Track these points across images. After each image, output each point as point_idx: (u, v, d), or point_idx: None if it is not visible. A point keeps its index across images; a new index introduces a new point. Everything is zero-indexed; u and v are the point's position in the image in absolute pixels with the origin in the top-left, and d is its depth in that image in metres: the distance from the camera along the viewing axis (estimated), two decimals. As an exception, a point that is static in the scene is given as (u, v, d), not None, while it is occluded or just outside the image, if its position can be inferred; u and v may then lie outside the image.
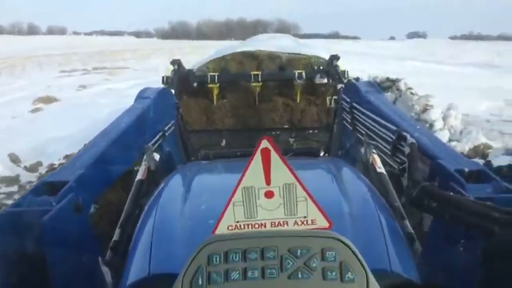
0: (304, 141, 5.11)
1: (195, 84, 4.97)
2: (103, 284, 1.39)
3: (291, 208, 0.83)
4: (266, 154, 0.82)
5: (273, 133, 5.90)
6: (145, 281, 1.00)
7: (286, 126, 5.99)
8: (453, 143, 4.46)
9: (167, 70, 4.51)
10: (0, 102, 10.24)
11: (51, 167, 5.01)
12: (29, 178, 4.59)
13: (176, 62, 4.58)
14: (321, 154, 2.64)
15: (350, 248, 0.68)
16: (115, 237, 1.57)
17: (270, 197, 0.83)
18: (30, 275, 1.29)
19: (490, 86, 10.80)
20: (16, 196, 3.91)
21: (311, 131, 5.50)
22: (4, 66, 19.78)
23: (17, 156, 5.28)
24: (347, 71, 4.77)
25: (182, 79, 4.70)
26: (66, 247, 1.34)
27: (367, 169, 2.01)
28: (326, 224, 0.83)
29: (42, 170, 5.01)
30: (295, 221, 0.83)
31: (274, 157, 0.82)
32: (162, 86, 3.79)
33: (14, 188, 4.23)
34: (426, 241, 1.52)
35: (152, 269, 1.02)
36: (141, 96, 2.84)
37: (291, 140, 4.82)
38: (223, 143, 4.86)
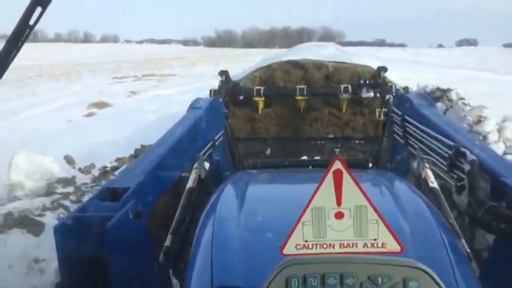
0: (350, 152, 5.04)
1: (241, 97, 5.06)
2: (159, 286, 1.45)
3: (362, 230, 0.83)
4: (338, 175, 0.82)
5: (318, 142, 5.86)
6: None
7: (331, 136, 5.93)
8: (509, 157, 4.25)
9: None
10: (57, 106, 10.85)
11: (104, 170, 5.24)
12: (83, 180, 4.82)
13: (223, 73, 4.70)
14: (370, 164, 2.60)
15: (433, 279, 0.66)
16: (167, 242, 1.63)
17: (340, 218, 0.83)
18: (92, 274, 1.36)
19: (549, 96, 10.17)
20: (72, 197, 4.12)
21: (357, 142, 5.42)
22: (61, 73, 20.94)
23: (72, 158, 5.56)
24: (395, 85, 4.67)
25: (229, 89, 4.80)
26: (127, 252, 1.41)
27: (419, 184, 1.96)
28: (398, 248, 0.82)
29: (95, 172, 5.25)
30: (365, 243, 0.82)
31: (347, 178, 0.82)
32: (212, 97, 3.91)
33: (70, 189, 4.45)
34: (488, 262, 1.46)
35: (214, 281, 1.04)
36: (193, 106, 2.99)
37: (337, 150, 4.76)
38: (268, 151, 4.88)
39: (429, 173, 1.91)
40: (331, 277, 0.66)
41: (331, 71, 6.23)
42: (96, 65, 25.36)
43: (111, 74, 20.09)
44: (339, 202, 0.83)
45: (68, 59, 29.68)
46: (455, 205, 1.77)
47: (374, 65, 7.03)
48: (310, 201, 0.83)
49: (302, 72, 6.29)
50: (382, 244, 0.82)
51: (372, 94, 4.69)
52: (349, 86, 5.05)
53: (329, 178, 0.82)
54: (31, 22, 1.18)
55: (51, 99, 11.93)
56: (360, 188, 0.83)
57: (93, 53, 38.21)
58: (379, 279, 0.65)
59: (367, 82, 5.11)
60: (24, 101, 11.66)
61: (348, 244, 0.83)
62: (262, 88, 5.19)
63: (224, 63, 25.65)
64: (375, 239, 0.82)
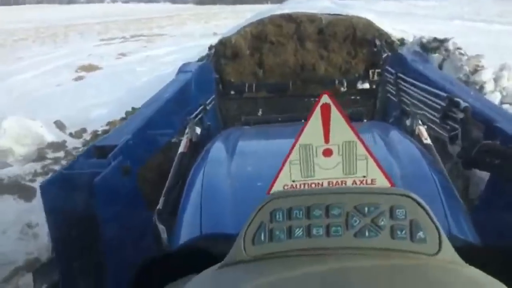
0: (346, 107, 4.98)
1: (232, 92, 4.92)
2: (151, 242, 1.44)
3: (350, 167, 0.79)
4: (326, 110, 0.77)
5: (312, 99, 5.78)
6: (196, 241, 1.01)
7: (326, 91, 5.83)
8: (505, 106, 4.21)
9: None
10: (45, 70, 10.60)
11: (95, 134, 5.16)
12: (74, 144, 4.76)
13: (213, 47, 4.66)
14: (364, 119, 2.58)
15: (421, 206, 0.63)
16: (160, 205, 1.61)
17: (329, 156, 0.79)
18: (83, 233, 1.35)
19: (546, 45, 10.05)
20: (63, 162, 4.07)
21: (352, 97, 5.36)
22: (46, 35, 20.37)
23: (62, 122, 5.47)
24: (390, 37, 4.55)
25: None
26: (116, 207, 1.40)
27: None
28: (387, 184, 0.79)
29: (87, 136, 5.18)
30: (354, 180, 0.79)
31: (335, 113, 0.78)
32: (202, 61, 3.83)
33: (61, 153, 4.40)
34: (480, 203, 1.47)
35: (203, 229, 1.04)
36: (182, 70, 2.94)
37: None
38: (260, 112, 4.81)
39: (422, 129, 1.90)
40: (316, 209, 0.63)
41: (325, 24, 6.03)
42: (82, 26, 24.64)
43: (99, 35, 19.57)
44: (327, 139, 0.78)
45: (54, 21, 28.77)
46: (449, 158, 1.75)
47: (370, 17, 6.85)
48: (297, 139, 0.79)
49: (294, 26, 6.08)
50: (372, 180, 0.79)
51: (367, 85, 4.58)
52: (344, 80, 5.01)
53: (317, 113, 0.78)
54: None
55: (38, 63, 11.65)
56: (349, 123, 0.79)
57: (78, 14, 37.05)
58: (366, 208, 0.63)
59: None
60: (10, 66, 11.37)
61: (337, 182, 0.79)
62: (254, 84, 5.15)
63: (214, 21, 25.06)
64: (364, 176, 0.79)
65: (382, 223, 0.62)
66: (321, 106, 0.77)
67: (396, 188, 0.68)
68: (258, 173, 1.16)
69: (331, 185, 0.79)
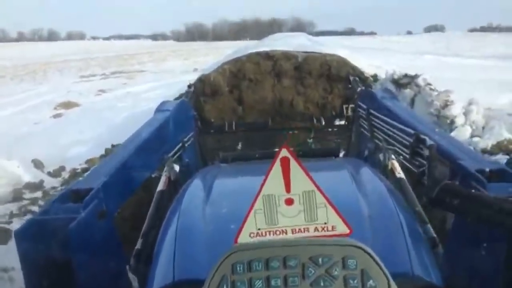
0: (323, 142, 5.08)
1: (211, 130, 5.02)
2: None
3: (311, 215, 0.84)
4: (285, 163, 0.83)
5: (291, 132, 5.89)
6: (169, 287, 1.02)
7: (303, 125, 5.96)
8: (476, 139, 4.37)
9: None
10: (23, 108, 10.50)
11: (74, 172, 5.10)
12: (52, 184, 4.69)
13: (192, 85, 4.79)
14: (341, 154, 2.64)
15: (370, 256, 0.68)
16: (138, 245, 1.60)
17: (290, 204, 0.84)
18: (58, 280, 1.33)
19: (512, 78, 10.52)
20: (41, 202, 4.01)
21: (330, 130, 5.48)
22: (25, 73, 20.27)
23: (40, 161, 5.39)
24: (363, 74, 4.73)
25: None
26: (92, 253, 1.38)
27: (386, 175, 2.01)
28: (347, 230, 0.84)
29: (65, 175, 5.11)
30: (316, 227, 0.84)
31: (294, 165, 0.84)
32: (180, 99, 3.88)
33: (38, 194, 4.32)
34: (448, 242, 1.50)
35: (176, 275, 1.04)
36: (160, 109, 2.96)
37: (309, 141, 4.79)
38: (239, 145, 4.87)
39: (395, 163, 1.95)
40: (274, 260, 0.68)
41: (301, 61, 6.24)
42: (62, 63, 24.66)
43: (78, 72, 19.59)
44: (288, 189, 0.84)
45: (33, 58, 28.72)
46: (421, 193, 1.81)
47: (344, 54, 7.11)
48: (260, 189, 0.85)
49: (271, 63, 6.27)
50: (332, 227, 0.84)
51: (343, 120, 4.79)
52: (320, 116, 5.21)
53: (277, 165, 0.84)
54: None
55: (16, 101, 11.53)
56: (307, 174, 0.84)
57: (58, 51, 37.10)
58: (320, 259, 0.68)
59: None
60: (-13, 104, 11.23)
61: (300, 229, 0.84)
62: (234, 122, 5.33)
63: (194, 57, 25.45)
64: (325, 223, 0.84)
65: (336, 273, 0.66)
66: (280, 159, 0.83)
67: (347, 239, 0.73)
68: (233, 215, 1.17)
69: (294, 233, 0.84)
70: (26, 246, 1.31)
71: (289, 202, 0.84)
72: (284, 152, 0.84)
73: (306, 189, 0.84)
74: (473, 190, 1.24)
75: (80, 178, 1.79)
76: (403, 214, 1.24)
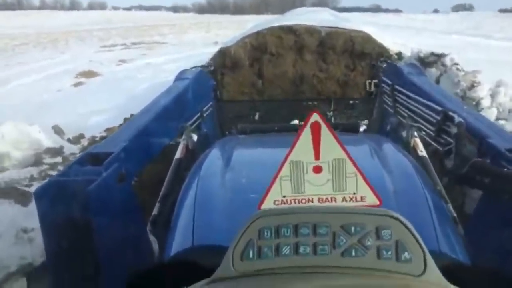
0: (343, 115, 5.00)
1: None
2: (146, 251, 1.44)
3: (340, 184, 0.81)
4: (316, 128, 0.80)
5: (310, 103, 5.82)
6: (188, 252, 1.01)
7: (323, 97, 5.88)
8: (501, 122, 4.24)
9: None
10: (45, 75, 10.63)
11: (93, 140, 5.17)
12: (72, 150, 4.76)
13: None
14: (362, 129, 2.59)
15: (407, 227, 0.64)
16: (155, 211, 1.61)
17: (319, 172, 0.81)
18: (77, 241, 1.34)
19: (543, 62, 10.12)
20: (60, 167, 4.07)
21: (351, 102, 5.39)
22: (48, 41, 20.45)
23: (60, 128, 5.47)
24: (388, 51, 4.60)
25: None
26: (111, 215, 1.39)
27: (408, 153, 1.96)
28: (376, 202, 0.81)
29: (84, 142, 5.18)
30: (344, 197, 0.81)
31: (325, 131, 0.80)
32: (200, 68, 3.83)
33: (58, 159, 4.39)
34: (472, 221, 1.47)
35: (195, 241, 1.04)
36: (179, 77, 2.94)
37: (329, 114, 4.71)
38: (257, 116, 4.84)
39: (418, 141, 1.90)
40: (304, 227, 0.64)
41: (324, 36, 6.10)
42: (84, 32, 24.77)
43: (100, 42, 19.66)
44: (317, 156, 0.81)
45: (55, 27, 28.91)
46: (444, 172, 1.77)
47: (368, 30, 6.92)
48: (288, 155, 0.81)
49: (294, 38, 6.15)
50: (361, 197, 0.81)
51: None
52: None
53: (307, 131, 0.80)
54: None
55: (38, 69, 11.68)
56: (339, 141, 0.81)
57: (80, 21, 37.23)
58: (352, 228, 0.64)
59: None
60: (11, 71, 11.40)
61: (327, 198, 0.81)
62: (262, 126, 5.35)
63: (215, 30, 25.23)
64: (354, 193, 0.82)
65: (369, 243, 0.63)
66: (311, 124, 0.80)
67: (382, 209, 0.69)
68: (252, 185, 1.16)
69: (321, 202, 0.81)
70: (45, 206, 1.32)
71: (318, 170, 0.81)
72: (314, 117, 0.80)
73: (336, 157, 0.80)
74: (505, 169, 1.19)
75: (100, 143, 1.80)
76: (428, 191, 1.20)
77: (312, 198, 0.81)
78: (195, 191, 1.24)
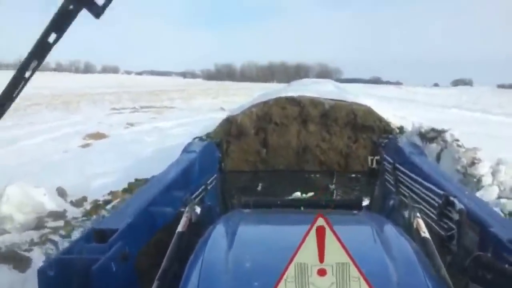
0: (345, 189, 5.02)
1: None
2: None
3: None
4: (321, 232, 0.83)
5: (313, 175, 5.88)
6: None
7: (325, 169, 5.95)
8: (503, 201, 4.23)
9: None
10: (54, 136, 10.85)
11: (95, 203, 5.17)
12: (74, 214, 4.75)
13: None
14: (364, 203, 2.60)
15: None
16: None
17: (323, 275, 0.83)
18: None
19: (543, 138, 10.25)
20: (62, 231, 4.05)
21: (353, 175, 5.43)
22: (60, 102, 21.11)
23: (64, 190, 5.50)
24: (389, 124, 4.72)
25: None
26: None
27: (411, 233, 1.96)
28: None
29: (87, 205, 5.18)
30: None
31: (329, 235, 0.83)
32: (207, 141, 3.96)
33: (60, 223, 4.38)
34: None
35: None
36: (187, 150, 3.04)
37: (331, 187, 4.74)
38: (259, 187, 4.88)
39: (421, 222, 1.90)
40: None
41: (327, 109, 6.34)
42: (95, 95, 25.61)
43: (110, 105, 20.26)
44: (321, 259, 0.83)
45: (68, 89, 29.98)
46: (446, 255, 1.76)
47: (370, 103, 7.16)
48: (293, 257, 0.84)
49: (298, 109, 6.39)
50: None
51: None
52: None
53: (312, 234, 0.83)
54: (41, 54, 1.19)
55: (48, 129, 11.95)
56: (343, 245, 0.84)
57: (93, 83, 38.66)
58: None
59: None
60: (21, 130, 11.67)
61: None
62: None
63: (222, 97, 26.02)
64: None
65: None
66: (316, 228, 0.83)
67: None
68: (256, 271, 1.16)
69: None
70: (48, 284, 1.32)
71: (322, 272, 0.83)
72: (320, 221, 0.84)
73: (340, 260, 0.83)
74: (505, 263, 1.20)
75: (105, 217, 1.83)
76: (431, 281, 1.20)
77: None
78: (198, 276, 1.23)
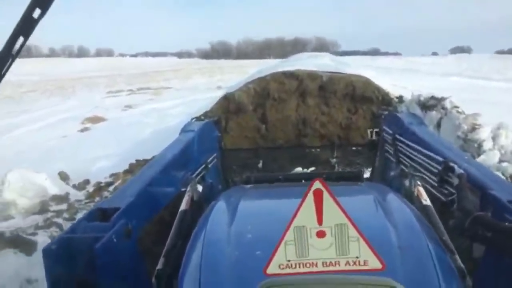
0: (346, 161, 5.02)
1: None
2: None
3: (343, 248, 0.84)
4: (318, 195, 0.84)
5: (313, 150, 5.87)
6: None
7: (326, 144, 5.94)
8: (504, 164, 4.24)
9: None
10: (51, 121, 10.82)
11: (98, 186, 5.19)
12: (77, 197, 4.78)
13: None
14: (365, 175, 2.61)
15: None
16: (159, 266, 1.60)
17: (322, 237, 0.85)
18: None
19: (543, 102, 10.21)
20: (65, 214, 4.08)
21: (354, 148, 5.42)
22: (55, 87, 20.96)
23: (66, 174, 5.51)
24: (388, 94, 4.69)
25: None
26: (117, 272, 1.39)
27: (412, 202, 1.97)
28: (379, 266, 0.83)
29: (90, 188, 5.20)
30: (347, 261, 0.84)
31: (327, 197, 0.84)
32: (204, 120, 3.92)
33: (63, 206, 4.41)
34: (478, 274, 1.46)
35: None
36: (185, 129, 3.04)
37: (333, 160, 4.73)
38: (260, 164, 4.87)
39: (421, 190, 1.91)
40: None
41: (325, 81, 6.28)
42: (90, 79, 25.40)
43: (106, 88, 20.12)
44: (320, 221, 0.84)
45: (63, 74, 29.71)
46: (448, 220, 1.77)
47: (368, 74, 7.10)
48: (292, 220, 0.85)
49: (296, 83, 6.33)
50: (364, 262, 0.84)
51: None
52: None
53: (310, 197, 0.84)
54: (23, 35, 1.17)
55: (45, 115, 11.91)
56: (340, 207, 0.84)
57: (88, 67, 38.29)
58: None
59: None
60: (18, 118, 11.63)
61: (331, 262, 0.84)
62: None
63: (219, 75, 25.80)
64: (357, 257, 0.84)
65: None
66: (313, 191, 0.84)
67: (384, 279, 0.72)
68: (257, 241, 1.17)
69: (325, 266, 0.84)
70: (52, 263, 1.33)
71: (321, 234, 0.84)
72: (317, 185, 0.84)
73: (338, 222, 0.84)
74: (506, 223, 1.20)
75: (108, 197, 1.85)
76: (433, 245, 1.20)
77: (316, 262, 0.84)
78: (201, 252, 1.24)
